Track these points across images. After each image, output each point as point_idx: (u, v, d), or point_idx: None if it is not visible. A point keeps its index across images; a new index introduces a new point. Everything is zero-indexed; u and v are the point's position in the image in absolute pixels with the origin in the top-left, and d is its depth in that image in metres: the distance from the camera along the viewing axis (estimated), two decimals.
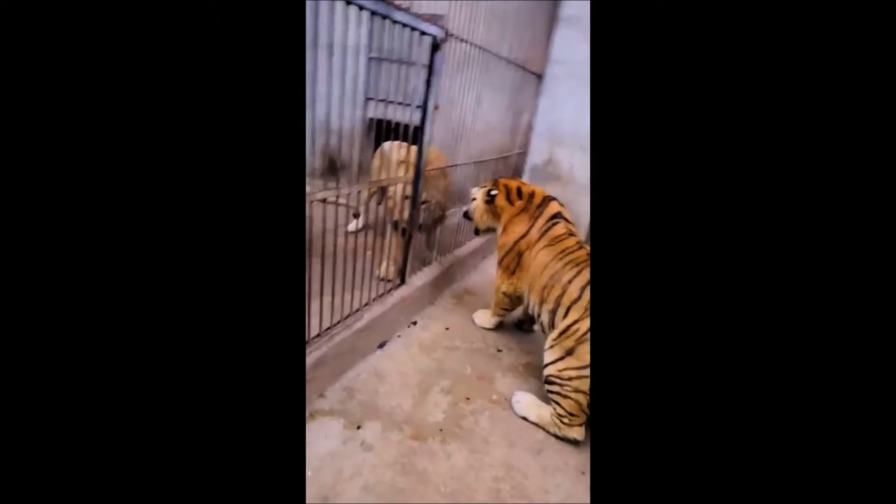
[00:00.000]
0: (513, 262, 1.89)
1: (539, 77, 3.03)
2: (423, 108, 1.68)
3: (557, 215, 1.86)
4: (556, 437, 1.50)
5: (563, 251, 1.71)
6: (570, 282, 1.58)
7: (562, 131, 3.08)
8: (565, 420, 1.47)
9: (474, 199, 2.11)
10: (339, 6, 1.15)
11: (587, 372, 1.41)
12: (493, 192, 1.99)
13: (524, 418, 1.56)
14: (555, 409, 1.49)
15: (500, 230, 2.00)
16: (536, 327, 1.78)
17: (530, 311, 1.83)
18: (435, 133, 1.81)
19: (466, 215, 2.17)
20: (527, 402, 1.59)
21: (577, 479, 1.35)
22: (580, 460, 1.43)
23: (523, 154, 3.22)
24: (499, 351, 1.96)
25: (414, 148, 1.76)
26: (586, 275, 1.57)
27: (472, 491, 1.26)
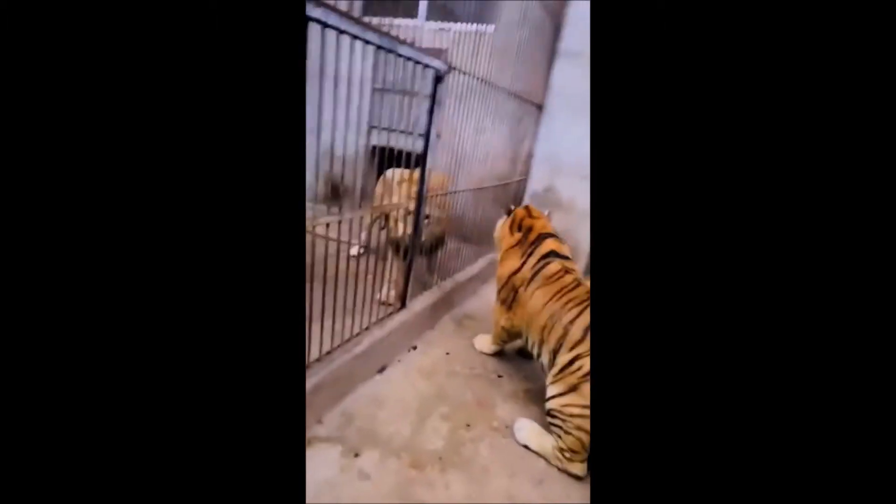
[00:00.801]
0: (509, 296, 1.87)
1: (539, 108, 3.11)
2: (426, 136, 1.73)
3: (551, 253, 1.81)
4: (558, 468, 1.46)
5: (560, 290, 1.66)
6: (571, 322, 1.53)
7: (562, 160, 3.14)
8: (567, 455, 1.43)
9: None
10: (346, 40, 1.20)
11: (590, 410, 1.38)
12: (512, 208, 2.07)
13: (525, 446, 1.52)
14: (556, 442, 1.46)
15: (498, 258, 2.01)
16: (536, 364, 1.74)
17: (529, 350, 1.78)
18: (437, 160, 1.85)
19: None
20: (528, 431, 1.55)
21: None
22: (583, 493, 1.39)
23: (523, 181, 3.27)
24: (499, 377, 1.94)
25: (417, 171, 1.80)
26: (588, 316, 1.51)
27: None
